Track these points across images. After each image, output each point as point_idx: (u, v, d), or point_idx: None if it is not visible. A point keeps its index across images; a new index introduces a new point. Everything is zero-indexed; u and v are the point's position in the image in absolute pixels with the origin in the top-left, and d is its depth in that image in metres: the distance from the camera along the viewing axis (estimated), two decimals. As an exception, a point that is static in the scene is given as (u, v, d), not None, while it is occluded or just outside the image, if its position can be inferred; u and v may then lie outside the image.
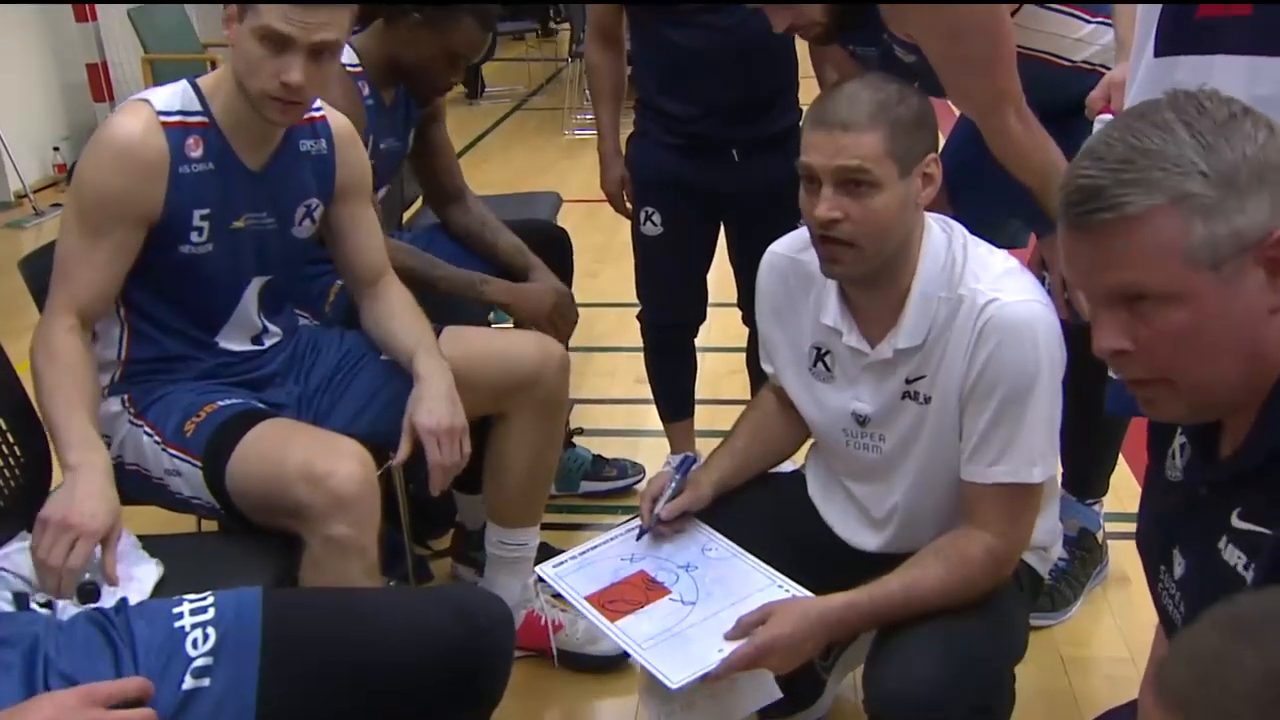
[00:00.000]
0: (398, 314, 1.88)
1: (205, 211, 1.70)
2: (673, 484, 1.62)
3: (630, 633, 1.45)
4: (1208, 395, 1.00)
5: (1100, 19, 1.85)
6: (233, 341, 1.80)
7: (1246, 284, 0.94)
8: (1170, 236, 0.93)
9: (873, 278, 1.49)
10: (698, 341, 2.67)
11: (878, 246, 1.43)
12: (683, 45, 2.28)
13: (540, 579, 1.66)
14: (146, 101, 1.68)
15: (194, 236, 1.71)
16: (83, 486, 1.44)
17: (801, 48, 2.24)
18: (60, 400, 1.57)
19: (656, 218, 2.45)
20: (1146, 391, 1.01)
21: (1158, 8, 1.51)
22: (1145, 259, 0.94)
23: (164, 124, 1.66)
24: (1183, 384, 0.99)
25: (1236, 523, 0.98)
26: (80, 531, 1.39)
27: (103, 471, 1.48)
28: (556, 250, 2.61)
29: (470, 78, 7.91)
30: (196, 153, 1.68)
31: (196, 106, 1.70)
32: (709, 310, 2.63)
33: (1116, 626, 2.22)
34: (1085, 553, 2.26)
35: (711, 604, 1.48)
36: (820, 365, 1.58)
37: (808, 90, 2.41)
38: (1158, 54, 1.52)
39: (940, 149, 2.14)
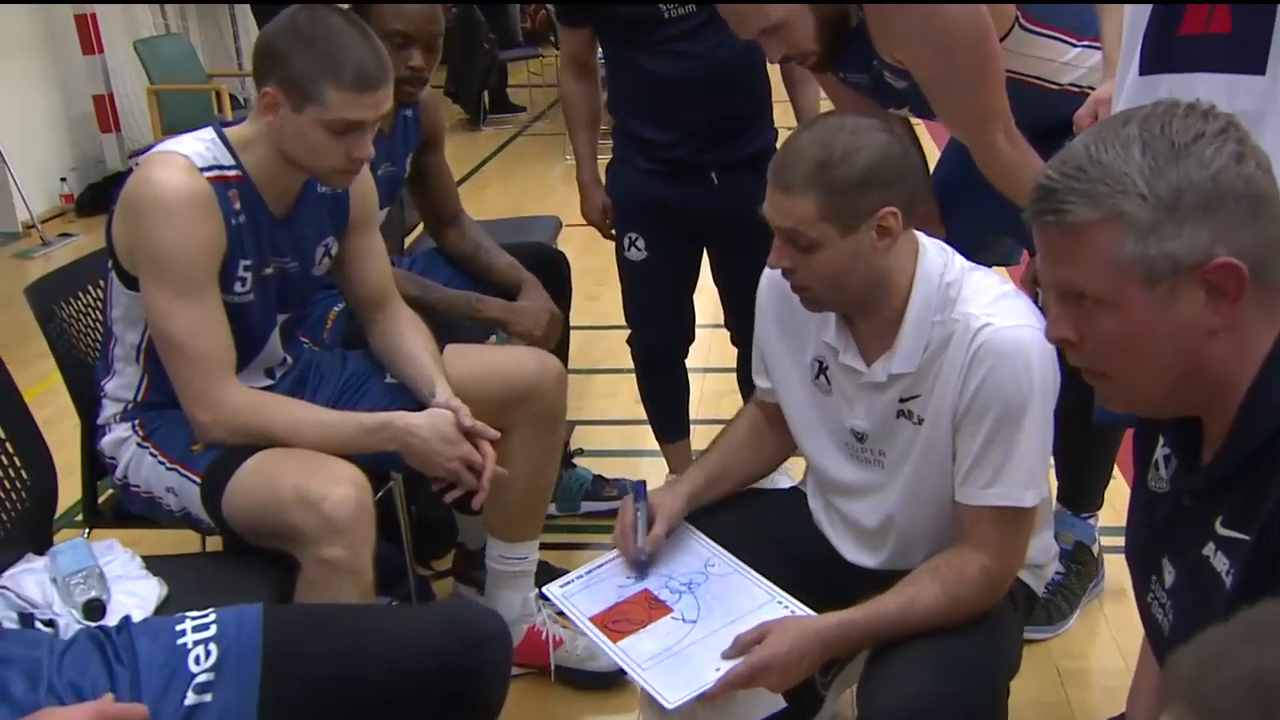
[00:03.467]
0: (409, 338, 1.91)
1: (248, 262, 1.73)
2: (639, 515, 1.61)
3: (631, 653, 1.47)
4: (1143, 395, 1.06)
5: (1086, 42, 1.87)
6: (251, 379, 1.82)
7: (1183, 303, 0.97)
8: (1105, 248, 0.97)
9: (855, 308, 1.51)
10: (694, 362, 2.69)
11: (832, 294, 1.46)
12: (657, 72, 2.31)
13: (544, 597, 1.68)
14: (181, 155, 1.65)
15: (237, 287, 1.73)
16: (416, 424, 1.70)
17: (774, 71, 2.28)
18: (300, 410, 1.73)
19: (640, 243, 2.48)
20: (1091, 380, 1.07)
21: (1142, 27, 1.54)
22: (1083, 264, 0.99)
23: (207, 179, 1.66)
24: (1118, 381, 1.05)
25: (1220, 529, 1.00)
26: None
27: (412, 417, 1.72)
28: (554, 274, 2.63)
29: (473, 105, 7.98)
30: (236, 205, 1.70)
31: (229, 160, 1.69)
32: (706, 331, 2.66)
33: (1112, 639, 2.23)
34: (1081, 566, 2.27)
35: (712, 621, 1.50)
36: (822, 378, 1.60)
37: (782, 112, 2.45)
38: (1142, 72, 1.55)
39: (931, 170, 2.20)
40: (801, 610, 1.48)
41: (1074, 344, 1.05)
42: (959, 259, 1.52)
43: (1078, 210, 0.98)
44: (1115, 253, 0.97)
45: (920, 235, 1.51)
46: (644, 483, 1.68)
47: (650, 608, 1.54)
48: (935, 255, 1.50)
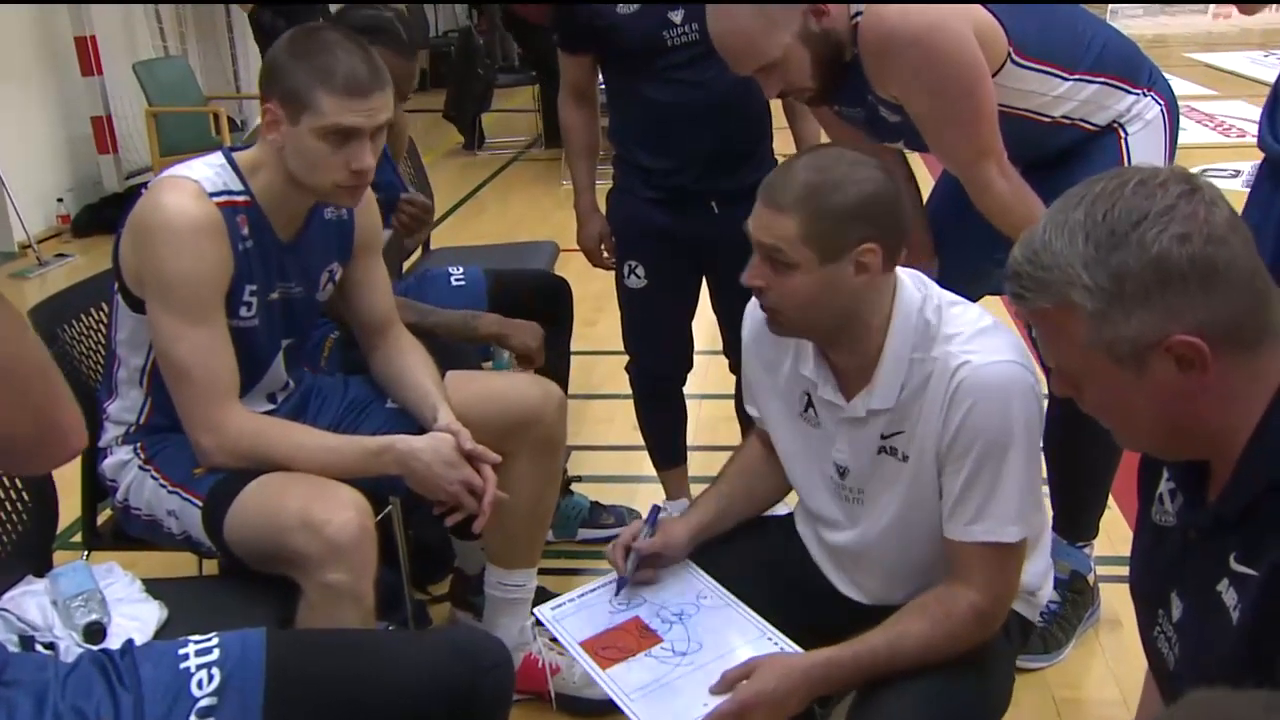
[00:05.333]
0: (411, 364, 1.93)
1: (254, 287, 1.74)
2: (643, 534, 1.63)
3: (620, 681, 1.47)
4: (1141, 446, 1.11)
5: (1078, 76, 1.90)
6: (254, 404, 1.83)
7: (1155, 372, 1.00)
8: (1065, 331, 1.02)
9: (824, 340, 1.52)
10: (691, 389, 2.71)
11: (801, 320, 1.47)
12: (658, 101, 2.33)
13: (538, 621, 1.69)
14: (192, 180, 1.67)
15: (243, 311, 1.74)
16: (418, 448, 1.72)
17: (775, 101, 2.30)
18: (302, 435, 1.74)
19: (640, 270, 2.49)
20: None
21: None
22: (1054, 343, 1.05)
23: (217, 204, 1.67)
24: (1118, 434, 1.09)
25: (1235, 565, 1.01)
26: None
27: (414, 441, 1.74)
28: (556, 300, 2.66)
29: (469, 129, 8.02)
30: (244, 230, 1.71)
31: (238, 185, 1.71)
32: (704, 357, 2.67)
33: (1108, 669, 2.23)
34: (1076, 595, 2.28)
35: (701, 655, 1.50)
36: (811, 411, 1.61)
37: (783, 141, 2.48)
38: None
39: (925, 200, 2.22)
40: (791, 648, 1.49)
41: (1078, 399, 1.09)
42: (937, 293, 1.52)
43: (1034, 299, 1.03)
44: (1076, 336, 1.01)
45: (899, 270, 1.51)
46: (659, 508, 1.70)
47: (640, 636, 1.55)
48: (913, 291, 1.50)
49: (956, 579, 1.47)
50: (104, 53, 6.25)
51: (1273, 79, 1.67)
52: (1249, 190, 1.65)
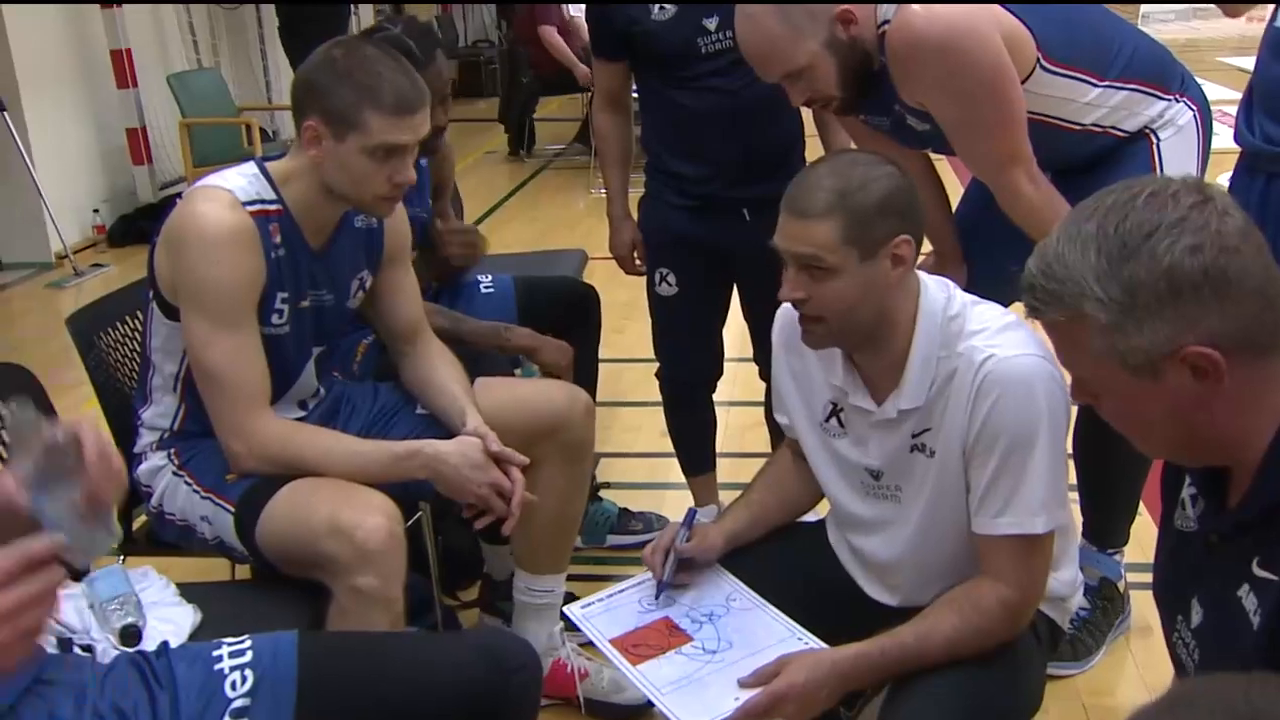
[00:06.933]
0: (440, 370, 1.95)
1: (285, 295, 1.77)
2: (680, 537, 1.65)
3: (651, 677, 1.48)
4: (1160, 455, 1.12)
5: (1107, 83, 1.89)
6: (284, 411, 1.85)
7: (1169, 381, 1.00)
8: (1080, 342, 1.03)
9: (860, 345, 1.53)
10: (720, 396, 2.71)
11: (844, 323, 1.49)
12: (690, 108, 2.34)
13: (568, 621, 1.70)
14: (225, 190, 1.69)
15: (274, 319, 1.76)
16: (445, 451, 1.74)
17: (806, 109, 2.31)
18: (331, 440, 1.76)
19: (671, 278, 2.50)
20: None
21: None
22: (1070, 354, 1.06)
23: (250, 212, 1.70)
24: (1139, 444, 1.10)
25: (1257, 570, 1.00)
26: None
27: (441, 444, 1.76)
28: (584, 307, 2.66)
29: (516, 134, 8.04)
30: (276, 239, 1.74)
31: (271, 195, 1.74)
32: (732, 365, 2.67)
33: (1139, 675, 2.22)
34: (1107, 602, 2.27)
35: (731, 653, 1.51)
36: (835, 420, 1.61)
37: (814, 149, 2.48)
38: None
39: (955, 206, 2.22)
40: (819, 646, 1.50)
41: (1097, 409, 1.09)
42: (960, 293, 1.54)
43: (1048, 311, 1.03)
44: (1090, 347, 1.01)
45: (921, 273, 1.53)
46: (695, 511, 1.72)
47: (670, 635, 1.56)
48: (936, 292, 1.52)
49: (985, 574, 1.48)
50: (138, 65, 6.33)
51: None
52: (1228, 181, 1.64)
